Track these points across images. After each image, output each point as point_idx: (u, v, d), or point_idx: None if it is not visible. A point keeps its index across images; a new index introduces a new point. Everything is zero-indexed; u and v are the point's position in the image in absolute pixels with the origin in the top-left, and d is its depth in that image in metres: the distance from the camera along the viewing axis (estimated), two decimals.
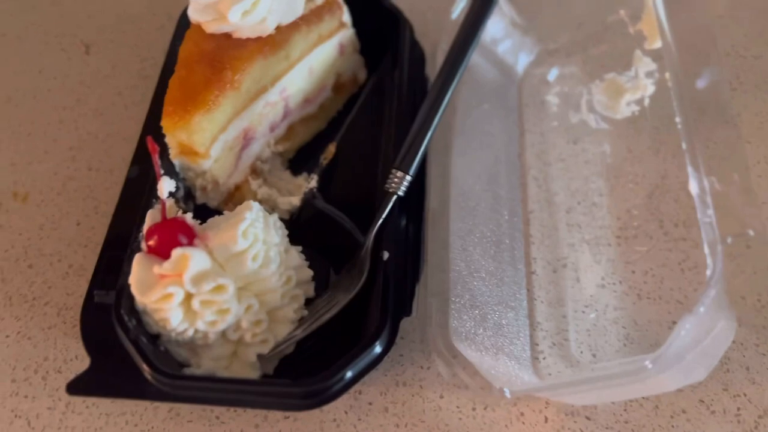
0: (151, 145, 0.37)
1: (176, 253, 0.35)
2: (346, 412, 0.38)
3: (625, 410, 0.38)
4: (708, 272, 0.29)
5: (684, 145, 0.33)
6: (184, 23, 0.49)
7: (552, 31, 0.53)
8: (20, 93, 0.52)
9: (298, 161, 0.48)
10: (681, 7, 0.41)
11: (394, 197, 0.40)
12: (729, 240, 0.28)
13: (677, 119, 0.33)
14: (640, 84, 0.47)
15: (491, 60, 0.52)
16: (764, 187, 0.48)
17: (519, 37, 0.52)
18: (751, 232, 0.28)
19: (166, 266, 0.35)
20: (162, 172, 0.38)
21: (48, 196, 0.47)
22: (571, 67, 0.52)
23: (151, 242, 0.37)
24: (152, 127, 0.44)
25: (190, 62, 0.41)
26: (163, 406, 0.39)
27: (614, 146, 0.47)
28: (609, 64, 0.50)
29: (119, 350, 0.36)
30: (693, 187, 0.31)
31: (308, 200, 0.44)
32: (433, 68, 0.50)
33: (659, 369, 0.28)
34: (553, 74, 0.52)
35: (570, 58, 0.52)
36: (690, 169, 0.32)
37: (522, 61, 0.53)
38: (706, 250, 0.30)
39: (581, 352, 0.41)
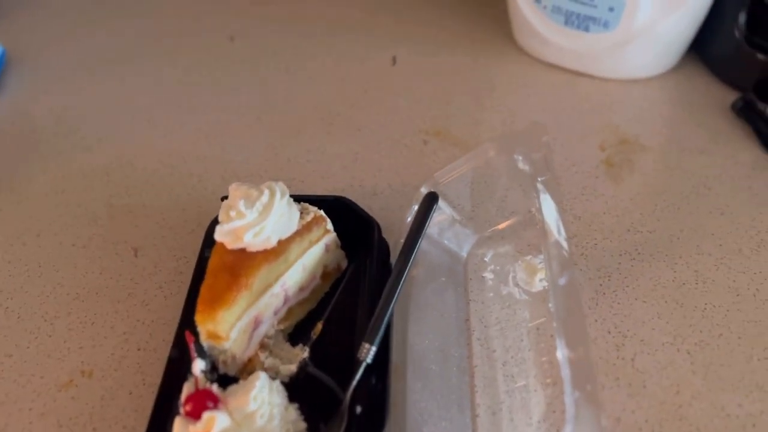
0: (188, 337, 0.53)
1: (205, 415, 0.49)
2: None
3: None
4: (567, 415, 0.43)
5: (555, 324, 0.47)
6: (210, 232, 0.66)
7: (485, 221, 0.70)
8: (86, 290, 0.68)
9: (296, 334, 0.63)
10: (566, 216, 0.58)
11: (364, 364, 0.55)
12: (576, 394, 0.42)
13: (550, 305, 0.48)
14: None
15: (440, 247, 0.68)
16: (656, 337, 0.62)
17: (460, 229, 0.69)
18: (589, 387, 0.42)
19: (198, 426, 0.49)
20: (195, 355, 0.53)
21: (107, 372, 0.61)
22: (502, 249, 0.68)
23: (188, 408, 0.51)
24: (186, 318, 0.60)
25: (216, 271, 0.57)
26: None
27: (532, 312, 0.62)
28: (525, 248, 0.66)
29: None
30: (559, 354, 0.46)
31: (302, 367, 0.58)
32: (394, 257, 0.67)
33: None
34: (489, 255, 0.68)
35: (498, 243, 0.68)
36: (558, 342, 0.46)
37: (465, 246, 0.69)
38: (566, 399, 0.44)
39: None
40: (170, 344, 0.59)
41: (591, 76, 0.94)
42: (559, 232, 0.56)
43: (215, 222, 0.67)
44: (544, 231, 0.56)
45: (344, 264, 0.68)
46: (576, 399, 0.43)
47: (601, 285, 0.66)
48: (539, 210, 0.57)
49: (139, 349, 0.63)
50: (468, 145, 0.82)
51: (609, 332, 0.62)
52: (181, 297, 0.64)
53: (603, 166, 0.80)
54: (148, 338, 0.64)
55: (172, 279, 0.69)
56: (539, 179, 0.57)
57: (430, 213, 0.60)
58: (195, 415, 0.50)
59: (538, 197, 0.58)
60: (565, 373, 0.44)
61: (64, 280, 0.70)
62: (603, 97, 0.90)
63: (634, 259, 0.69)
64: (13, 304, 0.68)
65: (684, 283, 0.66)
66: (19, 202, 0.80)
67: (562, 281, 0.49)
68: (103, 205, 0.78)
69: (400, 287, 0.57)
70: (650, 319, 0.63)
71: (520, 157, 0.61)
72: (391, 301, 0.56)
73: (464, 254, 0.69)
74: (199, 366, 0.52)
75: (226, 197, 0.70)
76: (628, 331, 0.62)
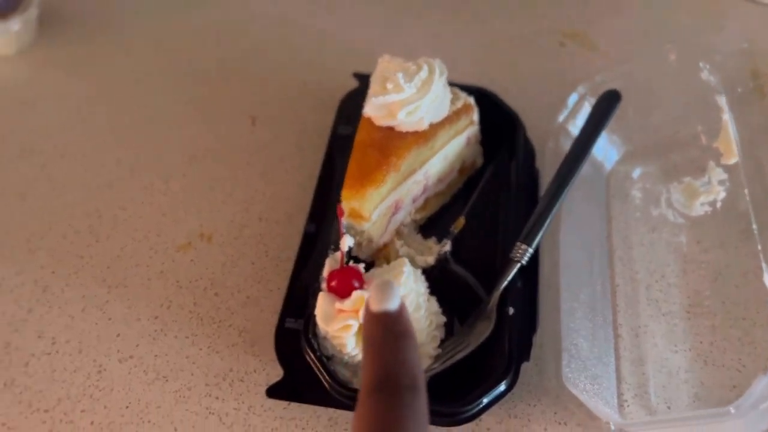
0: (340, 211, 0.49)
1: (356, 294, 0.46)
2: None
3: None
4: None
5: (759, 247, 0.43)
6: (344, 109, 0.62)
7: (635, 135, 0.64)
8: (201, 153, 0.64)
9: (428, 227, 0.59)
10: (752, 131, 0.52)
11: (518, 265, 0.51)
12: None
13: (754, 226, 0.44)
14: (713, 189, 0.57)
15: None
16: None
17: (608, 138, 0.63)
18: None
19: (347, 304, 0.46)
20: (344, 230, 0.49)
21: (227, 239, 0.58)
22: (651, 168, 0.63)
23: (333, 283, 0.47)
24: (322, 193, 0.56)
25: (364, 147, 0.52)
26: (324, 415, 0.49)
27: (688, 237, 0.58)
28: (684, 168, 0.61)
29: (304, 365, 0.47)
30: (766, 280, 0.41)
31: (440, 260, 0.55)
32: (541, 162, 0.62)
33: (739, 414, 0.38)
34: (636, 172, 0.63)
35: (650, 160, 0.62)
36: (764, 265, 0.42)
37: (610, 159, 0.64)
38: None
39: (658, 404, 0.50)
40: (293, 218, 0.56)
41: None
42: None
43: (349, 97, 0.63)
44: (729, 150, 0.51)
45: (480, 162, 0.63)
46: None
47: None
48: (722, 128, 0.51)
49: (260, 220, 0.59)
50: (609, 55, 0.75)
51: None
52: (303, 172, 0.60)
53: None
54: (269, 210, 0.60)
55: (292, 152, 0.64)
56: (725, 95, 0.51)
57: (610, 113, 0.55)
58: (341, 293, 0.47)
59: (726, 114, 0.52)
60: None
61: (177, 140, 0.66)
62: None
63: None
64: (125, 155, 0.64)
65: None
66: (127, 53, 0.74)
67: None
68: (215, 66, 0.73)
69: (565, 192, 0.53)
70: None
71: (708, 66, 0.54)
72: (555, 204, 0.52)
73: (608, 167, 0.64)
74: (347, 242, 0.48)
75: (359, 74, 0.65)
76: None
